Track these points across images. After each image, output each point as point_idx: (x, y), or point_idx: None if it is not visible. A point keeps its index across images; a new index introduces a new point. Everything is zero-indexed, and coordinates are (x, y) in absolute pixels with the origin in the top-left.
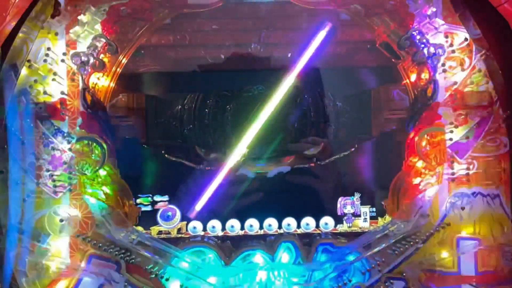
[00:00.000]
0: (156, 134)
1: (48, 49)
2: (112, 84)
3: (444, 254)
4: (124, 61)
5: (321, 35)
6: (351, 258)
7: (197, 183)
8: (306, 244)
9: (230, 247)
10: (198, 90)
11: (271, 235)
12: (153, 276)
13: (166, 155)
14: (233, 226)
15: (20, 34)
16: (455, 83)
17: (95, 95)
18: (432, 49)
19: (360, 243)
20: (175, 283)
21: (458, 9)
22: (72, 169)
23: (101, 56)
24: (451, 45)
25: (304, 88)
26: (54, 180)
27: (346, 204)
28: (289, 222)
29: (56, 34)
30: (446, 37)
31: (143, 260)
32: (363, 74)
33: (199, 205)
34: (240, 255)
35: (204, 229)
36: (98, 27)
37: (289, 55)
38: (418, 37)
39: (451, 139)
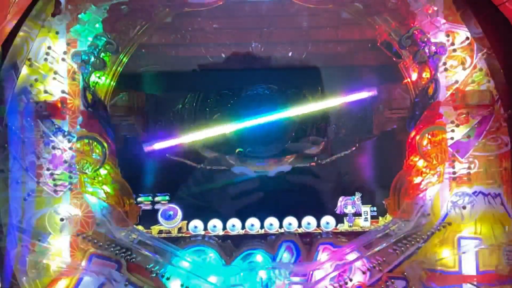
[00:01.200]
0: (156, 133)
1: (49, 48)
2: (113, 83)
3: (445, 253)
4: (125, 60)
5: (363, 94)
6: (352, 257)
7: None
8: (307, 243)
9: (231, 247)
10: (198, 89)
11: (272, 234)
12: (154, 275)
13: (166, 155)
14: (234, 225)
15: (20, 33)
16: (456, 82)
17: (95, 94)
18: (433, 48)
19: (361, 242)
20: (176, 282)
21: (460, 8)
22: (73, 168)
23: (102, 55)
24: (452, 44)
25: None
26: (54, 179)
27: (347, 204)
28: (290, 222)
29: (57, 33)
30: (448, 36)
31: (143, 259)
32: (364, 73)
33: (159, 145)
34: (241, 255)
35: (205, 228)
36: (99, 25)
37: (290, 54)
38: (419, 36)
39: (452, 138)
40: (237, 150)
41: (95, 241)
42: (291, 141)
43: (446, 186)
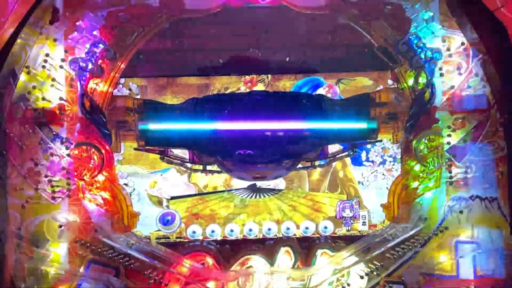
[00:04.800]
0: (154, 137)
1: (47, 55)
2: (111, 89)
3: (443, 257)
4: (122, 66)
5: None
6: (349, 262)
7: None
8: (305, 248)
9: (229, 252)
10: (196, 94)
11: (270, 239)
12: (152, 281)
13: (165, 158)
14: (233, 230)
15: (18, 40)
16: (453, 87)
17: (93, 100)
18: (429, 53)
19: (359, 247)
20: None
21: (455, 14)
22: (71, 175)
23: (100, 61)
24: (448, 49)
25: None
26: (52, 186)
27: (345, 208)
28: (289, 226)
29: (55, 40)
30: (444, 41)
31: (142, 265)
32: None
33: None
34: (239, 260)
35: (203, 233)
36: (97, 32)
37: (287, 59)
38: (415, 41)
39: (448, 143)
40: (236, 152)
41: (94, 247)
42: (290, 144)
43: (443, 190)
